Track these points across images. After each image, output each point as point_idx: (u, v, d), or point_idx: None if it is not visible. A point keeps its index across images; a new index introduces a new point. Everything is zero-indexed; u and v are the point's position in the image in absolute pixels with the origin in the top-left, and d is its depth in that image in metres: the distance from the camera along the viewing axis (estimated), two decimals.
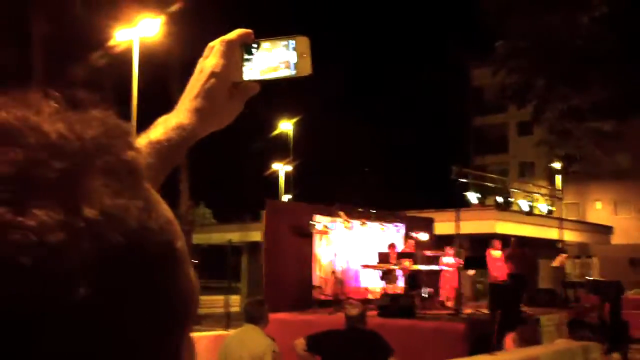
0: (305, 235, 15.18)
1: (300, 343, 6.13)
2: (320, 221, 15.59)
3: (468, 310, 13.96)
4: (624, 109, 13.87)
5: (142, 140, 1.17)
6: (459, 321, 12.74)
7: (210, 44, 1.26)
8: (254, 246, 24.97)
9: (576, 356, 7.32)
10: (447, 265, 16.68)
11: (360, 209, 17.39)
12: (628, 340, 15.86)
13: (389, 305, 13.27)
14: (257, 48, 1.25)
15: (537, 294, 17.36)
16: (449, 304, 15.92)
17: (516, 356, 6.59)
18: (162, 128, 1.19)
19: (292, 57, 1.24)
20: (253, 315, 6.17)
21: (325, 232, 15.54)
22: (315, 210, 15.87)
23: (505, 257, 16.42)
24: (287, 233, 14.71)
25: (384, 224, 17.95)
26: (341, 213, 16.09)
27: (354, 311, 6.29)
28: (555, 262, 18.75)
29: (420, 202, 28.08)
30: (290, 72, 1.24)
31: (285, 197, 39.30)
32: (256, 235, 22.06)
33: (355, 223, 16.72)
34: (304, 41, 1.25)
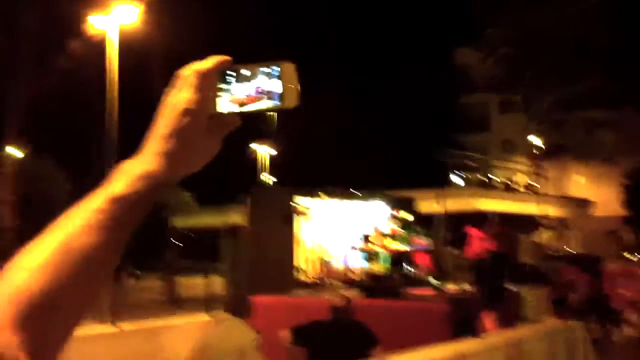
0: (288, 217, 15.10)
1: (286, 335, 6.06)
2: (301, 202, 15.52)
3: (451, 289, 13.98)
4: (614, 98, 13.91)
5: (101, 197, 1.01)
6: (443, 300, 12.74)
7: (182, 72, 1.09)
8: (235, 230, 24.84)
9: (561, 336, 7.32)
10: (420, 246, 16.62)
11: (341, 189, 17.31)
12: (609, 312, 16.03)
13: (373, 286, 13.27)
14: (236, 76, 1.10)
15: (519, 270, 17.43)
16: (433, 282, 15.95)
17: (502, 338, 6.56)
18: (125, 178, 1.03)
19: (276, 86, 1.09)
20: (235, 308, 6.09)
21: (307, 214, 15.46)
22: (296, 192, 15.79)
23: (489, 236, 16.45)
24: (270, 217, 14.63)
25: (367, 204, 17.89)
26: (322, 193, 16.02)
27: (339, 301, 6.23)
28: (538, 239, 18.85)
29: (403, 182, 28.08)
30: (273, 103, 1.09)
31: (267, 177, 39.22)
32: (237, 218, 21.95)
33: (337, 202, 16.66)
34: (290, 68, 1.10)
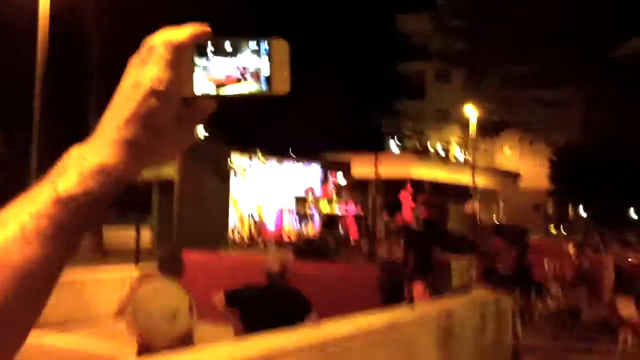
0: (223, 175, 14.90)
1: (219, 297, 5.95)
2: (237, 161, 15.33)
3: (382, 253, 14.13)
4: (562, 76, 14.14)
5: (44, 197, 0.81)
6: (373, 264, 12.88)
7: (149, 42, 0.88)
8: (166, 183, 24.44)
9: (489, 306, 7.47)
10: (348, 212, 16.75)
11: (278, 150, 17.20)
12: (532, 284, 16.53)
13: (305, 248, 13.27)
14: (215, 51, 0.91)
15: (448, 239, 17.74)
16: (364, 246, 16.12)
17: (433, 308, 6.64)
18: (75, 173, 0.83)
19: (264, 66, 0.91)
20: (167, 267, 5.94)
21: (243, 173, 15.29)
22: (233, 151, 15.58)
23: (419, 203, 16.64)
24: (203, 173, 14.40)
25: (302, 165, 17.85)
26: (259, 154, 15.86)
27: (274, 267, 6.15)
28: (467, 209, 19.22)
29: (339, 145, 28.13)
30: (259, 88, 0.91)
31: (200, 132, 38.52)
32: (171, 171, 21.57)
33: (273, 164, 16.55)
34: (282, 47, 0.92)
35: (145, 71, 0.86)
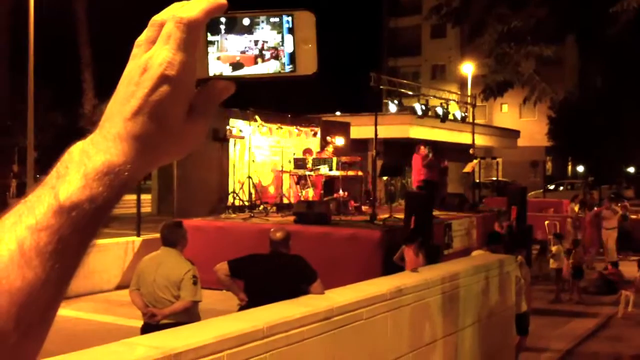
0: (220, 139, 14.79)
1: (223, 268, 5.90)
2: (235, 125, 15.21)
3: (383, 216, 14.10)
4: (561, 31, 13.91)
5: (43, 207, 0.71)
6: (374, 228, 12.87)
7: (157, 19, 0.77)
8: None
9: (493, 270, 7.46)
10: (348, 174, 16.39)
11: (276, 113, 17.06)
12: (532, 242, 16.58)
13: (305, 212, 13.23)
14: (231, 26, 0.81)
15: (447, 198, 17.75)
16: (365, 209, 16.09)
17: (438, 272, 6.61)
18: (78, 175, 0.72)
19: (288, 43, 0.81)
20: (169, 238, 5.89)
21: (241, 137, 15.19)
22: (231, 115, 15.44)
23: (423, 166, 16.56)
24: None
25: (300, 128, 17.73)
26: (257, 117, 15.73)
27: (278, 235, 6.09)
28: (467, 168, 19.17)
29: (336, 107, 27.98)
30: (281, 67, 0.81)
31: None
32: None
33: (272, 127, 16.44)
34: (308, 20, 0.81)
35: (154, 54, 0.75)
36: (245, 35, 0.81)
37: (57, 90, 35.27)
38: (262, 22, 0.81)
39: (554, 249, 13.40)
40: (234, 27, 0.81)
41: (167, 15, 0.76)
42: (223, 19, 0.80)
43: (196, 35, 0.76)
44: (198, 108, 0.78)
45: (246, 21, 0.81)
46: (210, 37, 0.80)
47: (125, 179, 0.73)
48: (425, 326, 6.24)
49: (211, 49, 0.80)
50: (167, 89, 0.74)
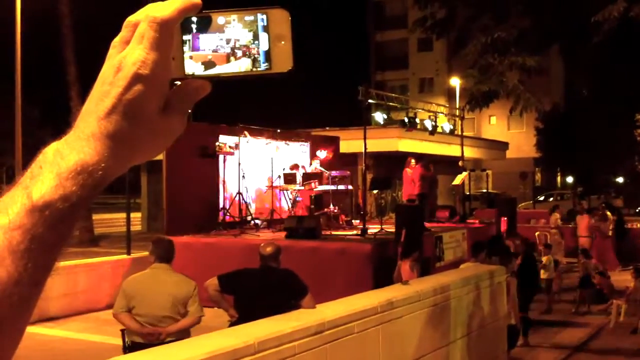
0: (210, 155, 14.78)
1: (213, 284, 5.87)
2: (225, 141, 15.19)
3: (373, 230, 14.10)
4: (545, 41, 14.03)
5: (16, 206, 0.71)
6: (365, 242, 12.87)
7: (131, 19, 0.78)
8: (154, 164, 24.30)
9: (483, 281, 7.47)
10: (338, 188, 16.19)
11: (264, 128, 17.08)
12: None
13: (296, 227, 13.21)
14: (203, 25, 0.81)
15: (437, 211, 17.78)
16: (356, 222, 16.08)
17: (429, 284, 6.61)
18: (51, 174, 0.73)
19: (263, 41, 0.80)
20: (165, 254, 5.83)
21: (231, 153, 15.17)
22: (219, 131, 15.43)
23: (415, 179, 16.56)
24: (189, 153, 14.26)
25: (289, 143, 17.75)
26: (246, 132, 15.74)
27: (268, 250, 6.07)
28: (457, 181, 19.22)
29: (325, 121, 28.03)
30: (257, 65, 0.80)
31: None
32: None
33: (261, 142, 16.44)
34: (282, 17, 0.81)
35: (128, 54, 0.76)
36: (217, 33, 0.81)
37: (45, 108, 35.21)
38: (234, 20, 0.81)
39: (544, 259, 13.41)
40: (206, 26, 0.81)
41: (141, 15, 0.77)
42: (195, 18, 0.81)
43: (169, 34, 0.77)
44: (173, 106, 0.79)
45: (220, 20, 0.81)
46: (186, 37, 0.81)
47: (99, 177, 0.74)
48: (417, 339, 6.24)
49: (186, 49, 0.81)
50: (140, 87, 0.75)
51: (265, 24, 0.80)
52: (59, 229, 0.71)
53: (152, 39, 0.76)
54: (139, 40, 0.76)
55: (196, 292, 5.66)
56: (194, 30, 0.81)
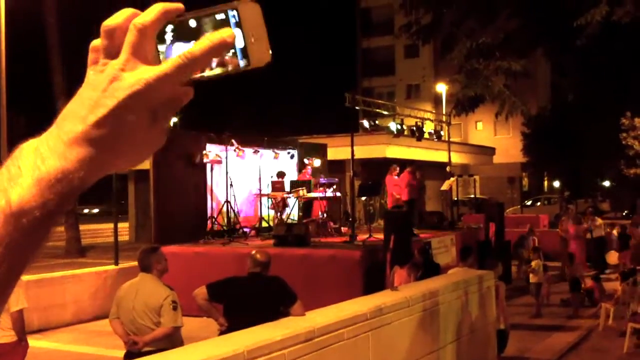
0: (197, 164, 14.75)
1: (202, 292, 5.85)
2: (212, 150, 15.17)
3: (362, 236, 14.10)
4: (530, 45, 14.08)
5: None
6: (354, 248, 12.86)
7: (109, 23, 0.75)
8: (141, 173, 24.19)
9: (472, 285, 7.49)
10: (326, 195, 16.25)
11: (252, 136, 17.06)
12: (510, 256, 16.68)
13: (284, 234, 13.20)
14: (177, 31, 0.79)
15: (426, 217, 17.82)
16: (344, 229, 16.08)
17: (418, 290, 6.62)
18: (30, 180, 0.70)
19: (237, 38, 0.78)
20: (144, 263, 5.81)
21: (218, 162, 15.14)
22: (207, 139, 15.40)
23: (403, 185, 16.58)
24: (177, 163, 14.22)
25: (277, 150, 17.73)
26: (233, 141, 15.72)
27: (257, 257, 6.06)
28: (445, 186, 19.28)
29: (312, 128, 28.05)
30: (235, 62, 0.79)
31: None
32: (146, 162, 21.38)
33: (248, 151, 16.42)
34: (253, 11, 0.79)
35: (127, 67, 0.74)
36: (193, 42, 0.78)
37: (31, 118, 35.10)
38: (207, 24, 0.79)
39: (533, 263, 13.45)
40: (180, 35, 0.79)
41: (121, 19, 0.75)
42: (169, 28, 0.79)
43: (152, 40, 0.76)
44: (158, 114, 0.76)
45: (193, 23, 0.79)
46: (160, 47, 0.78)
47: (77, 185, 0.71)
48: (407, 344, 6.24)
49: (162, 57, 0.78)
50: (138, 104, 0.73)
51: (237, 20, 0.78)
52: (34, 235, 0.70)
53: (135, 44, 0.74)
54: (132, 51, 0.74)
55: (168, 302, 5.58)
56: (168, 41, 0.78)
